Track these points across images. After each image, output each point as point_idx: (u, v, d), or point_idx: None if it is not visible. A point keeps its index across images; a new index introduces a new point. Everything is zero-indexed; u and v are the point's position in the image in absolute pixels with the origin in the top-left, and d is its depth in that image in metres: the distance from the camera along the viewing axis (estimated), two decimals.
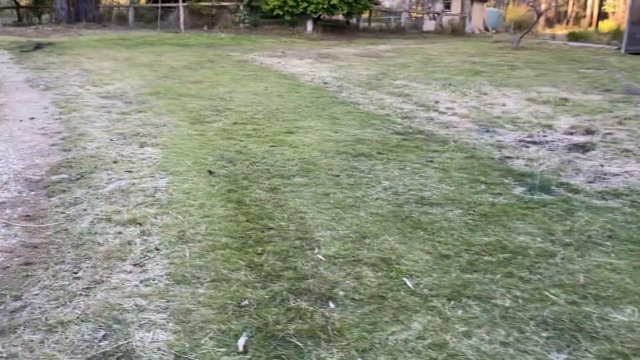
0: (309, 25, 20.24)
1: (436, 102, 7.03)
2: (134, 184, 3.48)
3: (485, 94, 7.80)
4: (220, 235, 2.76)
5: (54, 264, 2.47)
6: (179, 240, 2.67)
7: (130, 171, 3.76)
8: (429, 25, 27.70)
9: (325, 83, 8.62)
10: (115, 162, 3.98)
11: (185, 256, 2.51)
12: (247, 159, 4.16)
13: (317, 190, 3.51)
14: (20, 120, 5.40)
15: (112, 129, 5.00)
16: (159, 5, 21.30)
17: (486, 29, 29.80)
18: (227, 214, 3.03)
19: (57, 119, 5.46)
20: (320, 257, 2.57)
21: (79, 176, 3.66)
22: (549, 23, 41.48)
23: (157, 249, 2.58)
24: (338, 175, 3.82)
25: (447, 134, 5.28)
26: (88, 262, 2.48)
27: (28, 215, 3.05)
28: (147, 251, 2.56)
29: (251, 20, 21.03)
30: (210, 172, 3.75)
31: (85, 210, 3.09)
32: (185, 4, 21.69)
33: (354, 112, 6.26)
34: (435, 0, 29.20)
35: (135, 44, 14.22)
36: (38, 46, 12.01)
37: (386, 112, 6.35)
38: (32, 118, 5.51)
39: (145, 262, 2.46)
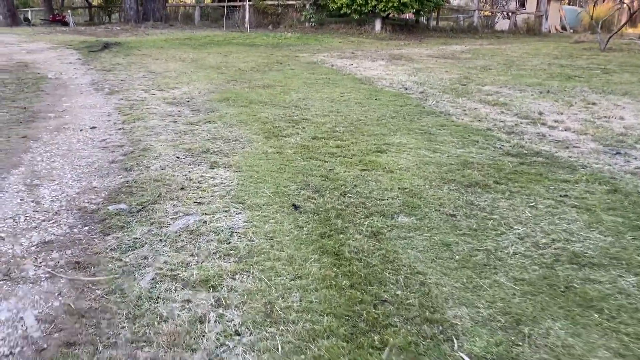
0: (378, 24, 19.40)
1: (540, 113, 6.06)
2: (204, 221, 2.83)
3: (593, 103, 6.73)
4: (319, 311, 2.04)
5: (103, 348, 1.83)
6: (266, 320, 1.97)
7: (200, 202, 3.11)
8: (502, 24, 26.17)
9: (406, 89, 7.79)
10: (182, 188, 3.35)
11: (277, 350, 1.80)
12: (335, 187, 3.43)
13: (432, 237, 2.73)
14: (81, 130, 4.92)
15: (179, 143, 4.41)
16: (225, 4, 21.07)
17: (564, 28, 27.87)
18: (324, 275, 2.31)
19: (119, 129, 4.95)
20: (464, 357, 1.80)
21: (140, 207, 3.05)
22: (632, 22, 38.52)
23: (238, 334, 1.89)
24: (454, 215, 3.02)
25: (570, 157, 4.35)
26: (146, 349, 1.82)
27: (78, 262, 2.45)
28: (225, 336, 1.88)
29: (317, 19, 20.42)
30: (295, 207, 3.05)
31: (146, 259, 2.45)
32: (250, 2, 21.37)
33: (448, 125, 5.41)
34: None
35: (201, 44, 13.90)
36: (106, 46, 11.85)
37: (486, 125, 5.46)
38: (94, 127, 5.03)
39: (223, 356, 1.77)
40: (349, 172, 3.76)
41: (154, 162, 3.94)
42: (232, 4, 22.19)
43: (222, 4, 26.10)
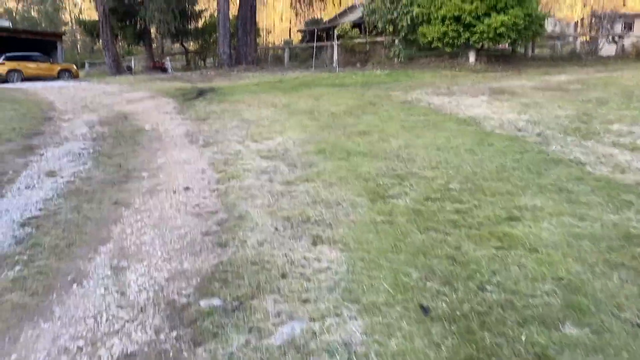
0: (471, 56, 18.51)
1: None
2: (314, 332, 2.27)
3: None
4: None
5: None
6: None
7: (305, 300, 2.56)
8: (607, 49, 24.17)
9: (519, 130, 6.95)
10: (283, 275, 2.83)
11: None
12: (469, 275, 2.76)
13: None
14: (174, 192, 4.63)
15: (276, 209, 3.94)
16: (314, 44, 21.19)
17: None
18: None
19: (213, 190, 4.60)
20: None
21: (236, 304, 2.56)
22: None
23: None
24: None
25: None
26: None
27: None
28: None
29: (406, 55, 19.92)
30: (424, 310, 2.41)
31: None
32: (338, 42, 21.35)
33: (585, 178, 4.55)
34: (614, 21, 25.60)
35: (291, 87, 13.80)
36: (200, 93, 12.02)
37: (633, 177, 4.54)
38: (187, 188, 4.72)
39: None
40: (480, 250, 3.07)
41: (250, 234, 3.48)
42: (320, 43, 22.31)
43: (310, 44, 26.47)
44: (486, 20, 17.15)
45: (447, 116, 8.24)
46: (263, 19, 43.82)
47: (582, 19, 36.89)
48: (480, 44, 18.29)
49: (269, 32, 47.57)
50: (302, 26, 37.70)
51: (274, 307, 2.51)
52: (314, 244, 3.25)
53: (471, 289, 2.61)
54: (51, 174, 5.47)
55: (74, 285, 2.86)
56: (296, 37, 40.10)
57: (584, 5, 42.39)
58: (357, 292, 2.59)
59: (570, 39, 28.05)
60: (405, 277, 2.73)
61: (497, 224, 3.50)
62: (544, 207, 3.80)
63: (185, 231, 3.65)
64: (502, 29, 16.92)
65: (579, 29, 32.63)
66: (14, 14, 48.48)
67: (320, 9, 37.26)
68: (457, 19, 17.55)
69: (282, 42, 38.55)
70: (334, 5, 34.94)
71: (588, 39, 26.44)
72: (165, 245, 3.41)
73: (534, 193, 4.15)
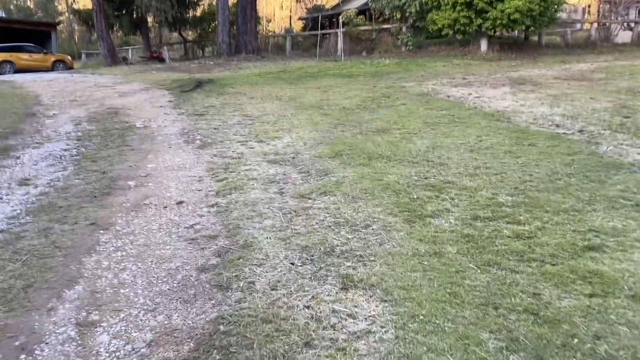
0: (483, 44, 17.62)
1: None
2: None
3: None
4: None
5: None
6: None
7: None
8: (623, 36, 23.24)
9: (558, 126, 6.15)
10: (307, 344, 2.06)
11: None
12: (563, 342, 1.99)
13: None
14: (165, 207, 3.85)
15: (290, 235, 3.17)
16: (318, 32, 20.29)
17: None
18: None
19: (212, 206, 3.82)
20: None
21: None
22: None
23: None
24: None
25: None
26: None
27: None
28: None
29: (415, 42, 19.02)
30: None
31: None
32: (343, 29, 20.44)
33: None
34: (629, 6, 24.65)
35: (296, 77, 12.97)
36: (198, 84, 11.20)
37: None
38: (181, 202, 3.95)
39: None
40: (567, 299, 2.29)
41: (259, 271, 2.70)
42: (324, 32, 21.40)
43: (313, 32, 25.53)
44: (499, 6, 16.25)
45: (471, 110, 7.43)
46: (263, 7, 42.80)
47: (589, 6, 35.87)
48: (493, 31, 17.41)
49: (269, 21, 46.55)
50: (303, 14, 36.71)
51: None
52: (345, 288, 2.48)
53: None
54: (24, 182, 4.69)
55: (22, 357, 2.09)
56: (297, 26, 39.09)
57: None
58: None
59: (578, 25, 27.09)
60: (478, 349, 1.96)
61: (575, 256, 2.72)
62: (627, 230, 3.02)
63: (176, 265, 2.88)
64: (517, 15, 16.03)
65: (587, 16, 31.60)
66: (10, 5, 47.46)
67: None
68: (468, 5, 16.65)
69: (283, 31, 37.59)
70: None
71: (602, 25, 25.49)
72: (150, 287, 2.64)
73: (606, 209, 3.37)
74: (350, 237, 3.06)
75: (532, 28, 17.52)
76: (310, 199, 3.81)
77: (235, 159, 5.17)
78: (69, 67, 24.03)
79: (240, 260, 2.85)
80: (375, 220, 3.30)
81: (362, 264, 2.69)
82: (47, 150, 5.93)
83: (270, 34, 33.83)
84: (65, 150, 5.93)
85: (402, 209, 3.47)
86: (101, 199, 4.09)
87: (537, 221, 3.21)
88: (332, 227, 3.22)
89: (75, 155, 5.69)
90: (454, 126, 6.28)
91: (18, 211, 3.89)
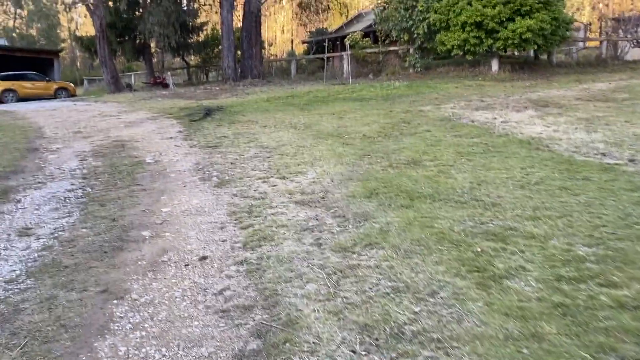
0: (494, 64, 17.27)
1: None
2: None
3: None
4: None
5: None
6: None
7: None
8: (633, 53, 22.92)
9: (604, 155, 5.66)
10: None
11: None
12: None
13: None
14: (186, 266, 3.33)
15: (342, 307, 2.64)
16: (325, 55, 19.97)
17: None
18: None
19: (241, 263, 3.30)
20: None
21: None
22: None
23: None
24: None
25: None
26: None
27: None
28: None
29: (423, 64, 18.67)
30: None
31: None
32: (350, 52, 20.13)
33: None
34: (638, 24, 24.36)
35: (306, 102, 12.55)
36: (207, 112, 10.77)
37: None
38: (204, 258, 3.43)
39: None
40: None
41: None
42: (329, 54, 21.10)
43: (318, 56, 25.29)
44: (510, 26, 15.94)
45: (503, 137, 6.94)
46: (265, 31, 42.77)
47: (589, 24, 35.68)
48: (504, 50, 17.07)
49: (270, 44, 46.65)
50: (304, 37, 36.61)
51: None
52: None
53: None
54: (25, 232, 4.19)
55: None
56: (299, 49, 39.03)
57: (593, 9, 41.24)
58: None
59: (580, 44, 26.77)
60: None
61: None
62: None
63: (208, 351, 2.35)
64: (528, 35, 15.69)
65: (588, 34, 31.30)
66: (13, 33, 47.62)
67: (324, 20, 36.14)
68: (478, 25, 16.34)
69: (285, 54, 37.46)
70: (341, 15, 33.80)
71: (596, 44, 25.19)
72: None
73: None
74: (417, 310, 2.53)
75: (543, 47, 17.17)
76: (354, 252, 3.29)
77: (259, 199, 4.66)
78: (71, 95, 23.72)
79: (287, 345, 2.32)
80: (442, 284, 2.78)
81: (444, 354, 2.16)
82: (50, 191, 5.43)
83: (272, 57, 33.67)
84: (70, 190, 5.43)
85: (469, 268, 2.95)
86: (112, 255, 3.57)
87: (636, 283, 2.68)
88: (391, 295, 2.69)
89: (81, 197, 5.20)
90: (491, 156, 5.79)
91: (18, 272, 3.37)
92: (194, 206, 4.65)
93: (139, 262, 3.41)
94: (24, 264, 3.52)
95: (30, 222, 4.44)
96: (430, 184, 4.74)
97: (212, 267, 3.30)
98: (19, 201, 5.10)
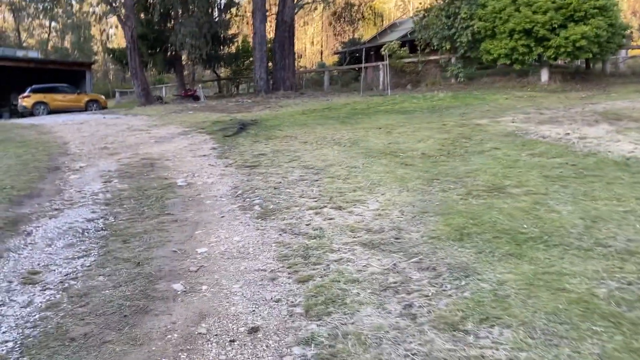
0: (544, 74, 16.10)
1: None
2: None
3: None
4: None
5: None
6: None
7: None
8: None
9: None
10: None
11: None
12: None
13: None
14: (232, 342, 2.44)
15: None
16: (362, 65, 19.11)
17: None
18: None
19: (305, 343, 2.38)
20: None
21: None
22: None
23: None
24: None
25: None
26: None
27: None
28: None
29: (466, 74, 17.63)
30: None
31: None
32: (386, 62, 19.23)
33: None
34: None
35: (346, 115, 11.67)
36: (242, 127, 9.97)
37: None
38: (255, 331, 2.53)
39: None
40: None
41: None
42: (366, 64, 20.23)
43: (352, 66, 24.46)
44: (563, 33, 14.78)
45: (591, 157, 5.90)
46: (294, 42, 42.33)
47: (631, 31, 33.98)
48: (555, 59, 15.90)
49: (300, 56, 46.18)
50: (334, 49, 35.91)
51: None
52: None
53: None
54: (29, 279, 3.38)
55: None
56: (329, 60, 38.33)
57: (633, 15, 39.38)
58: None
59: (623, 52, 25.28)
60: None
61: None
62: None
63: None
64: (583, 42, 14.50)
65: (631, 42, 29.70)
66: (47, 46, 48.33)
67: (355, 30, 35.37)
68: (527, 32, 15.24)
69: (315, 66, 36.77)
70: (375, 25, 32.99)
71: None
72: None
73: None
74: None
75: (598, 56, 15.94)
76: (467, 332, 2.34)
77: (314, 238, 3.76)
78: (102, 107, 23.42)
79: None
80: None
81: None
82: (67, 221, 4.64)
83: (301, 69, 33.02)
84: (89, 220, 4.64)
85: None
86: (134, 321, 2.70)
87: None
88: None
89: (102, 229, 4.39)
90: (588, 182, 4.77)
91: (10, 345, 2.54)
92: (236, 245, 3.77)
93: (169, 336, 2.53)
94: (20, 331, 2.68)
95: (39, 264, 3.64)
96: (531, 220, 3.76)
97: (266, 346, 2.39)
98: (29, 234, 4.32)
